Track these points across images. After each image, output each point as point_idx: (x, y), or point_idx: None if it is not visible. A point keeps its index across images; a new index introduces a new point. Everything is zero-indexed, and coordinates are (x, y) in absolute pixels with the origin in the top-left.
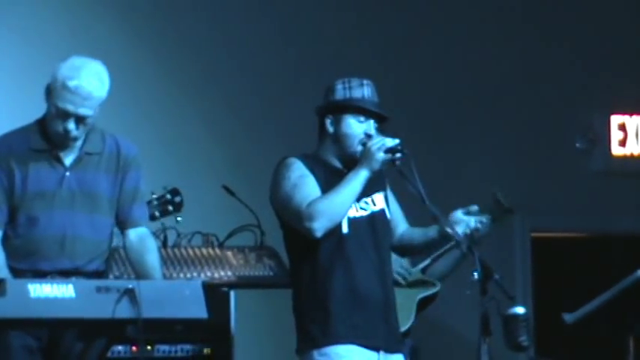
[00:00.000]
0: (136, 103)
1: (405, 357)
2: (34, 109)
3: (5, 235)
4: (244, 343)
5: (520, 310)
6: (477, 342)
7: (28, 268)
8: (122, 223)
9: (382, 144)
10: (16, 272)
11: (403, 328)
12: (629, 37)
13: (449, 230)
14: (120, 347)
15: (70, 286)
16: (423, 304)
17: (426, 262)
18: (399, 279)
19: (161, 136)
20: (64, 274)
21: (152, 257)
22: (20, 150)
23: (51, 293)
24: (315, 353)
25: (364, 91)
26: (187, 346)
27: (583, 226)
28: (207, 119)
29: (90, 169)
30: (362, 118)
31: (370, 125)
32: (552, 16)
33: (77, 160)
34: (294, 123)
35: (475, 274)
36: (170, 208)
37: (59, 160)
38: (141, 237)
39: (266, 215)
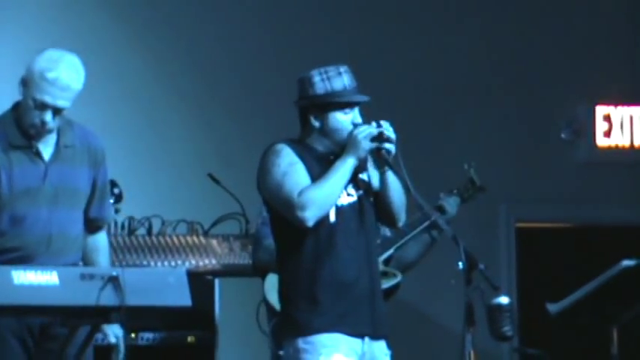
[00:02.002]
0: (122, 92)
1: (388, 343)
2: None
3: None
4: (228, 331)
5: (504, 300)
6: (461, 332)
7: (10, 259)
8: (91, 221)
9: (369, 132)
10: None
11: None
12: (614, 29)
13: (438, 221)
14: None
15: (54, 273)
16: (384, 295)
17: (389, 252)
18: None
19: (146, 124)
20: None
21: (104, 259)
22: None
23: (35, 280)
24: (300, 341)
25: (344, 80)
26: (171, 334)
27: (567, 216)
28: (192, 107)
29: (67, 163)
30: (347, 110)
31: (356, 114)
32: (538, 7)
33: (56, 154)
34: (280, 111)
35: (460, 263)
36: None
37: (39, 155)
38: (102, 239)
39: (251, 203)
